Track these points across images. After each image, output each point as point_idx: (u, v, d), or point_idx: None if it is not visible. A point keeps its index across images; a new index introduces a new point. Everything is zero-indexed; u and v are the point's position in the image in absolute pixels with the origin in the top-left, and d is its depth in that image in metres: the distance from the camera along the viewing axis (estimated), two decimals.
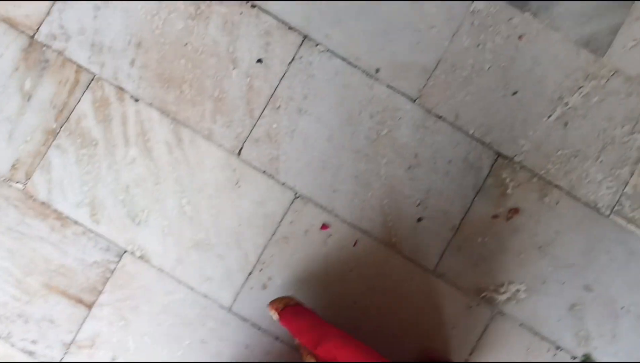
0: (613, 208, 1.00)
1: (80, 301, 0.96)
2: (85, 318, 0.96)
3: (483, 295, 0.99)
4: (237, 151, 0.98)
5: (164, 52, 0.98)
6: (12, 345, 0.96)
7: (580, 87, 1.00)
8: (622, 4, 1.00)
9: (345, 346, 0.75)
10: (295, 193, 0.99)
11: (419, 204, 0.99)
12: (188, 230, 0.98)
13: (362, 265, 0.98)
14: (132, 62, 0.98)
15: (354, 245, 0.98)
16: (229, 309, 0.97)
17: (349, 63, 0.99)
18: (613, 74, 1.00)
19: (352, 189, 0.99)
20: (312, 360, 0.77)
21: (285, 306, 0.90)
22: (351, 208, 0.99)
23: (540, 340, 0.98)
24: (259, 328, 0.97)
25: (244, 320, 0.97)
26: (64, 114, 0.97)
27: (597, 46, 1.00)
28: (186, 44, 0.98)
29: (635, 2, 1.00)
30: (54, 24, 0.98)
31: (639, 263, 1.00)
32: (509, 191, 1.00)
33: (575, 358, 0.98)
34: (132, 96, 0.98)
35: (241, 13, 0.99)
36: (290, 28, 0.99)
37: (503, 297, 0.99)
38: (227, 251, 0.97)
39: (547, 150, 1.00)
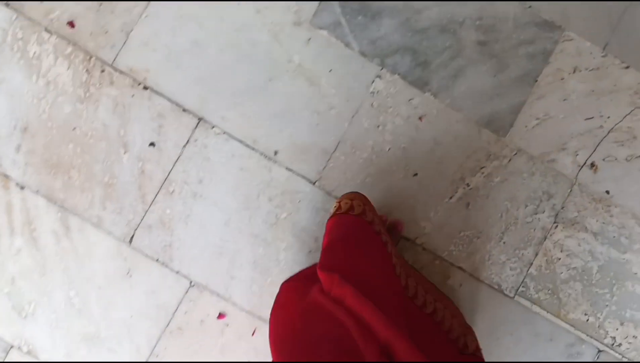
0: (517, 289, 0.98)
1: None
2: None
3: None
4: (129, 238, 0.95)
5: (51, 137, 0.95)
6: None
7: (482, 168, 0.98)
8: (525, 83, 0.99)
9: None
10: (190, 281, 0.96)
11: None
12: (77, 322, 0.94)
13: (261, 354, 0.95)
14: (18, 148, 0.95)
15: (252, 334, 0.95)
16: None
17: (247, 145, 0.97)
18: (515, 153, 0.99)
19: (250, 275, 0.96)
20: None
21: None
22: (249, 296, 0.96)
23: None
24: None
25: None
26: None
27: (499, 125, 0.99)
28: (74, 128, 0.95)
29: (537, 81, 0.99)
30: None
31: (544, 345, 0.98)
32: None
33: None
34: (17, 184, 0.94)
35: (133, 95, 0.96)
36: (184, 110, 0.97)
37: None
38: (118, 345, 0.94)
39: (449, 232, 0.98)
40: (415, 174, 0.99)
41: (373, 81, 0.99)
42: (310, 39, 0.99)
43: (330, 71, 0.99)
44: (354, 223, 0.74)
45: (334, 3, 0.99)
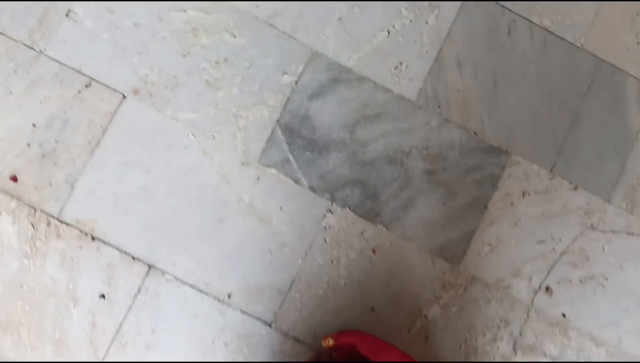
0: None
1: None
2: None
3: None
4: None
5: None
6: None
7: (439, 298, 1.00)
8: (475, 209, 1.00)
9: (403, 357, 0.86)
10: None
11: None
12: None
13: None
14: None
15: None
16: None
17: (199, 290, 0.97)
18: (470, 282, 1.00)
19: None
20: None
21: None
22: None
23: None
24: None
25: None
26: None
27: (452, 254, 1.00)
28: (22, 285, 0.95)
29: (487, 207, 1.01)
30: None
31: None
32: None
33: None
34: None
35: (80, 247, 0.96)
36: (134, 259, 0.96)
37: None
38: None
39: None
40: (373, 309, 1.00)
41: (324, 216, 1.00)
42: (259, 177, 1.00)
43: (281, 208, 1.00)
44: None
45: (282, 140, 1.00)
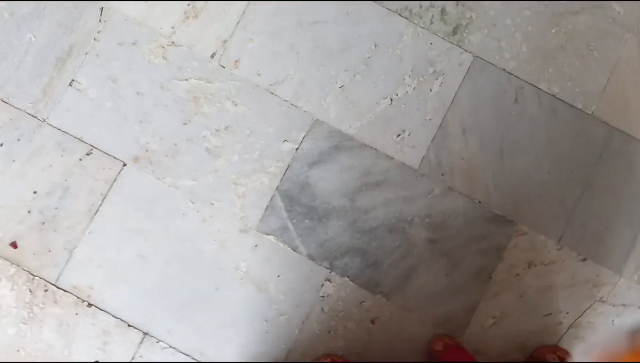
0: None
1: None
2: None
3: None
4: None
5: None
6: None
7: None
8: (479, 280, 1.00)
9: None
10: None
11: None
12: None
13: None
14: None
15: None
16: None
17: (194, 359, 1.00)
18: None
19: None
20: None
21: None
22: None
23: None
24: None
25: None
26: None
27: (455, 326, 1.00)
28: (19, 350, 0.98)
29: (492, 278, 1.00)
30: None
31: None
32: None
33: None
34: None
35: (77, 314, 0.98)
36: (129, 325, 0.98)
37: None
38: None
39: None
40: None
41: (323, 285, 1.01)
42: (257, 245, 1.01)
43: (278, 276, 1.01)
44: None
45: (281, 208, 1.01)
